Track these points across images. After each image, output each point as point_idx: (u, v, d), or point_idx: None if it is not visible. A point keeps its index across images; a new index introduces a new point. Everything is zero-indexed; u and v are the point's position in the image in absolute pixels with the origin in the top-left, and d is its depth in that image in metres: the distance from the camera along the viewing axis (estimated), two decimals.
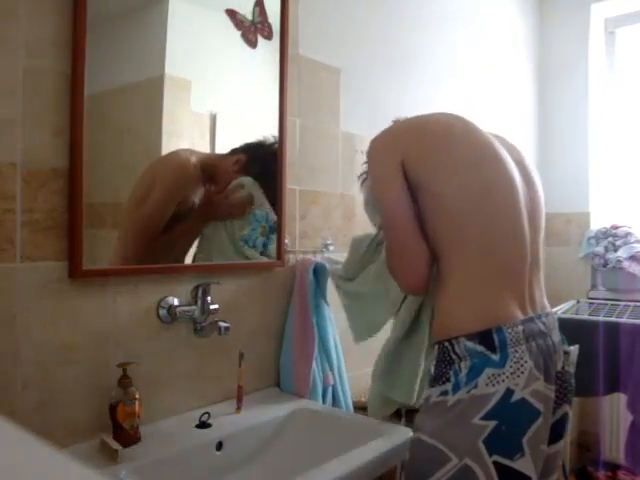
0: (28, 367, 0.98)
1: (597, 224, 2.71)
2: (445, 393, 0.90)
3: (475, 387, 0.86)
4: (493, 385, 0.86)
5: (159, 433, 1.12)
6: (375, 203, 1.07)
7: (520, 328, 0.90)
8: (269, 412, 1.28)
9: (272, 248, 1.42)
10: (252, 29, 1.38)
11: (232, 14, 1.33)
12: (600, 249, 2.58)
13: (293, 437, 1.24)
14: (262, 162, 1.40)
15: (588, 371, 1.66)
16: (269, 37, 1.42)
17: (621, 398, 2.09)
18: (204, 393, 1.28)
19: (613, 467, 2.38)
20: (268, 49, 1.42)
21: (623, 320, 1.79)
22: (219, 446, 1.14)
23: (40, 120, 0.99)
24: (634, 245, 2.50)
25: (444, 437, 0.88)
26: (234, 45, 1.35)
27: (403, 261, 1.01)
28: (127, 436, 1.04)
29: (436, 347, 0.95)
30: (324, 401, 1.42)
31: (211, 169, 1.29)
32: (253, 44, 1.38)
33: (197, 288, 1.21)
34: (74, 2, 1.01)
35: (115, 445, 0.99)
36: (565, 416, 0.99)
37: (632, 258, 2.47)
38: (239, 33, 1.35)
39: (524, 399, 0.86)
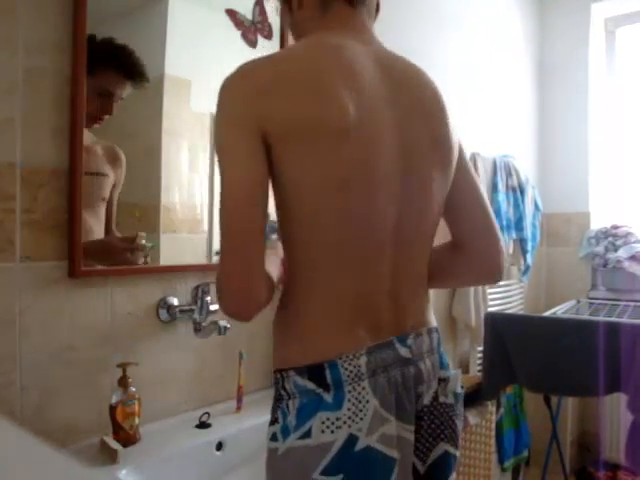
0: (28, 367, 0.98)
1: (597, 224, 2.71)
2: (274, 438, 0.73)
3: (309, 435, 0.69)
4: (332, 432, 0.69)
5: (159, 433, 1.12)
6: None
7: (363, 360, 0.72)
8: (269, 412, 1.27)
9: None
10: (252, 29, 1.38)
11: (232, 14, 1.33)
12: (600, 249, 2.58)
13: None
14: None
15: (588, 371, 1.66)
16: (269, 37, 1.42)
17: (621, 398, 2.09)
18: (204, 393, 1.28)
19: (613, 467, 2.38)
20: (268, 49, 1.42)
21: (623, 320, 1.79)
22: (219, 446, 1.14)
23: (40, 120, 0.99)
24: (634, 245, 2.50)
25: None
26: (234, 45, 1.35)
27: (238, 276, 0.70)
28: (127, 436, 1.04)
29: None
30: None
31: None
32: (253, 44, 1.38)
33: (197, 288, 1.21)
34: (74, 2, 1.01)
35: (115, 445, 0.99)
36: (445, 457, 0.81)
37: (632, 258, 2.47)
38: (239, 33, 1.35)
39: (370, 447, 0.70)
